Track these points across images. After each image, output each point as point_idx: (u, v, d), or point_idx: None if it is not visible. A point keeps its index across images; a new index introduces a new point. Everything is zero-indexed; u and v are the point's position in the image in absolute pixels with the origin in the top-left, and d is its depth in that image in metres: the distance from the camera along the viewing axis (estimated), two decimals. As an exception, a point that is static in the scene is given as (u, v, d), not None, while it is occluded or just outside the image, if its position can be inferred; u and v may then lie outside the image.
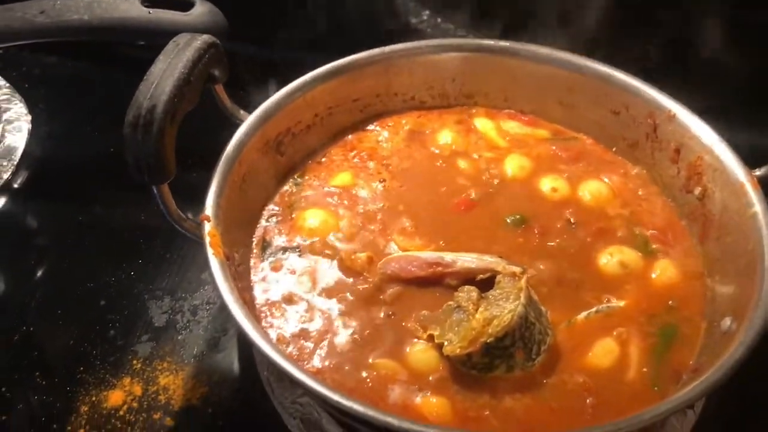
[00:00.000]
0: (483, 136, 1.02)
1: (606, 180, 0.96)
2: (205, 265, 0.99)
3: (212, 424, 0.88)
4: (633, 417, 0.66)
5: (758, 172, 0.85)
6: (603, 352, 0.79)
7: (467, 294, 0.80)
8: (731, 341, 0.71)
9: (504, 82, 1.04)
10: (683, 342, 0.79)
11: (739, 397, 0.87)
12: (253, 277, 0.86)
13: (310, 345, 0.80)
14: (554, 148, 1.00)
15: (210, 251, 0.77)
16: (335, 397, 0.67)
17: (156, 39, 0.91)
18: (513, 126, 1.03)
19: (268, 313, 0.83)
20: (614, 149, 1.00)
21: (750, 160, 0.86)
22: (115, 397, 0.89)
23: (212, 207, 0.81)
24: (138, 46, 1.28)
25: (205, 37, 0.82)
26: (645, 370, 0.77)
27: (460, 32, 1.38)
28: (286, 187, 0.96)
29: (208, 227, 0.79)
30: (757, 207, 0.81)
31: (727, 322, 0.77)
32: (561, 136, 1.02)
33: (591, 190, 0.95)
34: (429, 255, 0.85)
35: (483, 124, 1.04)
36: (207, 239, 0.77)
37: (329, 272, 0.86)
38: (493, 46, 1.03)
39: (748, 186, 0.83)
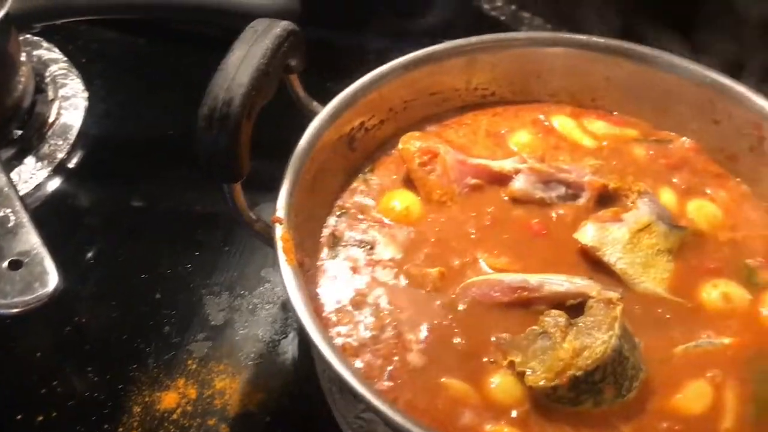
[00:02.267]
0: (565, 138, 0.94)
1: (709, 191, 0.89)
2: (266, 261, 0.97)
3: (270, 433, 0.84)
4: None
5: None
6: (694, 395, 0.72)
7: (554, 319, 0.73)
8: None
9: (593, 82, 0.96)
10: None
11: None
12: (320, 281, 0.81)
13: (379, 358, 0.75)
14: (652, 152, 0.92)
15: (282, 258, 0.71)
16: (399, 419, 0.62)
17: (230, 21, 0.85)
18: (600, 126, 0.96)
19: (335, 320, 0.77)
20: (721, 169, 0.91)
21: None
22: (168, 399, 0.85)
23: (284, 208, 0.75)
24: (198, 23, 1.23)
25: (285, 24, 0.76)
26: (743, 419, 0.70)
27: (537, 21, 1.31)
28: (355, 184, 0.90)
29: (280, 231, 0.73)
30: None
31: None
32: (653, 137, 0.94)
33: (700, 210, 0.87)
34: (513, 278, 0.78)
35: (563, 123, 0.96)
36: (279, 244, 0.72)
37: (402, 282, 0.81)
38: (588, 41, 0.95)
39: None
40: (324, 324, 0.76)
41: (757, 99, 0.87)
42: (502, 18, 1.30)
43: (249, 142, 0.70)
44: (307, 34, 0.81)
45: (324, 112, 0.85)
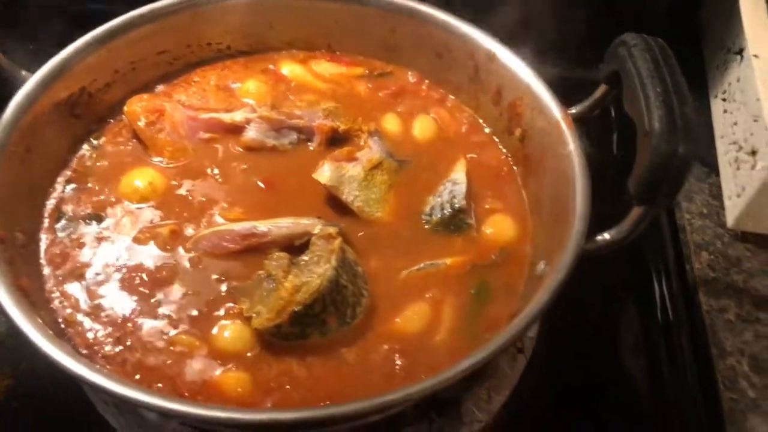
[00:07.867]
0: (296, 84, 0.96)
1: (433, 115, 0.93)
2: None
3: (18, 421, 0.80)
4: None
5: (574, 110, 0.83)
6: (413, 316, 0.75)
7: (277, 261, 0.75)
8: (540, 287, 0.69)
9: (326, 27, 0.98)
10: (503, 294, 0.77)
11: (570, 334, 0.88)
12: (42, 254, 0.78)
13: (107, 325, 0.73)
14: (370, 85, 0.95)
15: (-25, 236, 0.68)
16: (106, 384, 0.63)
17: None
18: (327, 67, 0.98)
19: (58, 294, 0.75)
20: (441, 91, 0.96)
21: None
22: None
23: (-19, 184, 0.72)
24: None
25: (-49, -10, 0.71)
26: (459, 329, 0.74)
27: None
28: (82, 151, 0.87)
29: (-26, 208, 0.70)
30: (571, 146, 0.79)
31: (541, 265, 0.76)
32: (377, 71, 0.97)
33: (423, 126, 0.91)
34: (242, 227, 0.79)
35: (292, 69, 0.97)
36: (-29, 223, 0.69)
37: (134, 247, 0.79)
38: (307, -14, 0.96)
39: (563, 124, 0.81)
40: (44, 299, 0.74)
41: (468, 29, 0.90)
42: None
43: None
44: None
45: (32, 81, 0.81)
